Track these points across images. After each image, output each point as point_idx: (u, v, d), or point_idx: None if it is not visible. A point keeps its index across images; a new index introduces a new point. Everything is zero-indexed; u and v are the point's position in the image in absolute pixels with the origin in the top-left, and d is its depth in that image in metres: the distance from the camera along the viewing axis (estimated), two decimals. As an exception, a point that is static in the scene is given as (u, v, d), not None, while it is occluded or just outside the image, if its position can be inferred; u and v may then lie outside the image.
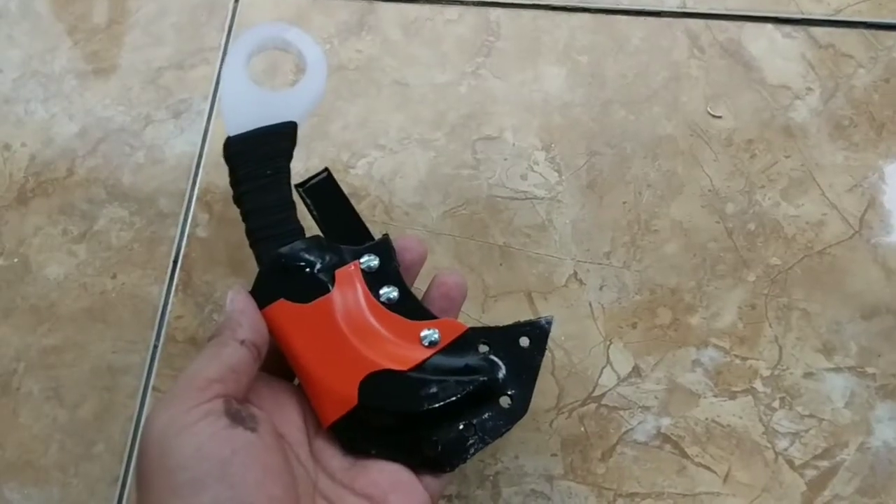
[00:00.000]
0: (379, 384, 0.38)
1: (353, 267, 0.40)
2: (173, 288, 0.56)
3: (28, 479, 0.52)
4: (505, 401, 0.39)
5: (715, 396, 0.53)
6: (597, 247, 0.57)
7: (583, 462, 0.51)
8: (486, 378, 0.39)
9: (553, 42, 0.64)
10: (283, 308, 0.39)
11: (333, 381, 0.38)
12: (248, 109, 0.43)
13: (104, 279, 0.57)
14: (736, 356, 0.54)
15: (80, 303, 0.56)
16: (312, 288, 0.39)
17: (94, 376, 0.54)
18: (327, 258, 0.40)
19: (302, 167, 0.60)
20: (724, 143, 0.60)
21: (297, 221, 0.42)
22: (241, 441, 0.34)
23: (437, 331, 0.39)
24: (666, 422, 0.52)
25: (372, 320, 0.39)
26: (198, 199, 0.59)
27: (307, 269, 0.40)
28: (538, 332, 0.41)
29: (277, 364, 0.43)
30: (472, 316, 0.55)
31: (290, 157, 0.43)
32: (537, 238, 0.58)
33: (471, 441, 0.39)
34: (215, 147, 0.61)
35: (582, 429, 0.52)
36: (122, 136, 0.61)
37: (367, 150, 0.60)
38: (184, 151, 0.61)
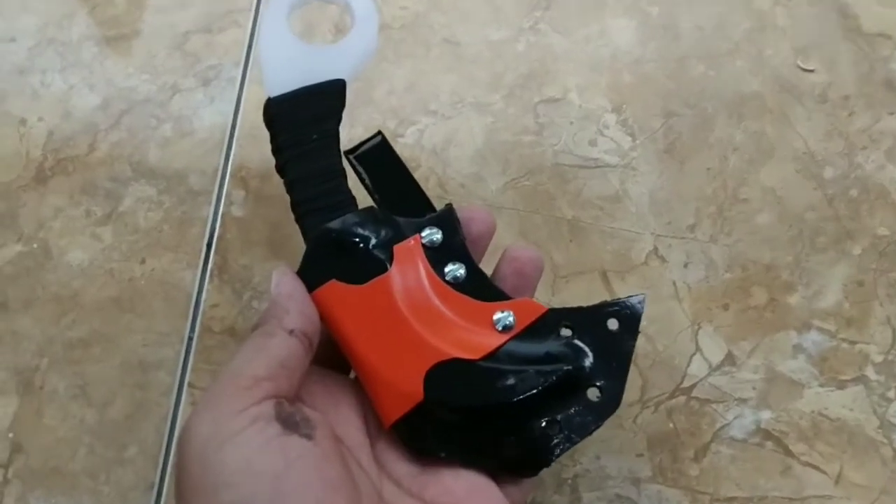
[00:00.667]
0: (447, 376, 0.33)
1: (413, 241, 0.36)
2: (208, 273, 0.51)
3: (55, 486, 0.47)
4: (593, 393, 0.34)
5: (821, 386, 0.47)
6: (679, 219, 0.51)
7: (673, 462, 0.46)
8: (570, 367, 0.34)
9: (621, -8, 0.57)
10: (334, 290, 0.35)
11: (395, 373, 0.34)
12: (290, 67, 0.38)
13: (132, 265, 0.52)
14: (843, 340, 0.48)
15: (106, 291, 0.51)
16: (368, 266, 0.35)
17: (123, 372, 0.49)
18: (384, 232, 0.36)
19: (345, 137, 0.54)
20: (818, 100, 0.54)
21: (349, 191, 0.37)
22: (296, 451, 0.30)
23: (511, 313, 0.35)
24: (766, 416, 0.47)
25: (437, 302, 0.35)
26: (232, 174, 0.54)
27: (361, 245, 0.35)
28: (629, 312, 0.36)
29: (330, 355, 0.38)
30: (540, 299, 0.49)
31: (338, 119, 0.38)
32: (611, 210, 0.52)
33: (556, 440, 0.34)
34: (249, 117, 0.55)
35: (671, 425, 0.47)
36: (148, 107, 0.56)
37: (417, 116, 0.55)
38: (215, 123, 0.55)
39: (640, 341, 0.48)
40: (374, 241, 0.35)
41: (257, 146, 0.55)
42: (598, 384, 0.34)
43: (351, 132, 0.54)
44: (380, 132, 0.40)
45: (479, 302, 0.35)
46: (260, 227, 0.53)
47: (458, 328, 0.34)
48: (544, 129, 0.54)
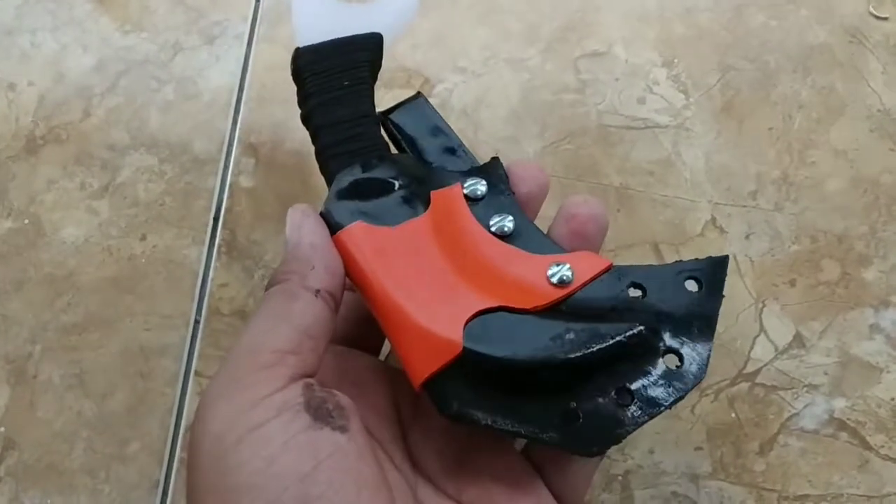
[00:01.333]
0: (492, 325, 0.28)
1: (454, 189, 0.32)
2: (215, 250, 0.47)
3: (51, 485, 0.43)
4: (672, 360, 0.29)
5: (902, 370, 0.42)
6: (739, 185, 0.46)
7: (736, 457, 0.41)
8: (640, 326, 0.28)
9: (669, -67, 0.52)
10: (360, 232, 0.30)
11: (431, 321, 0.28)
12: (323, 24, 0.35)
13: (132, 241, 0.47)
14: (927, 318, 0.43)
15: (104, 271, 0.47)
16: (402, 208, 0.31)
17: (124, 360, 0.45)
18: (420, 176, 0.32)
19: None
20: (894, 51, 0.48)
21: (381, 137, 0.34)
22: (328, 448, 0.26)
23: (569, 265, 0.30)
24: (840, 404, 0.42)
25: (480, 250, 0.30)
26: (240, 140, 0.49)
27: (394, 186, 0.31)
28: (712, 270, 0.31)
29: (354, 333, 0.34)
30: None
31: (374, 71, 0.35)
32: (662, 176, 0.47)
33: (628, 412, 0.28)
34: (259, 78, 0.51)
35: (733, 415, 0.42)
36: (148, 67, 0.51)
37: (445, 74, 0.50)
38: (221, 84, 0.51)
39: (698, 322, 0.44)
40: (408, 182, 0.31)
41: (268, 109, 0.50)
42: (677, 350, 0.29)
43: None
44: (419, 93, 0.37)
45: (529, 254, 0.30)
46: (271, 199, 0.48)
47: (506, 279, 0.30)
48: (587, 86, 0.49)
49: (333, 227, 0.31)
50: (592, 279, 0.30)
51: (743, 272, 0.45)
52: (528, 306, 0.29)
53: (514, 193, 0.32)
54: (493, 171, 0.33)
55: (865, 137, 0.47)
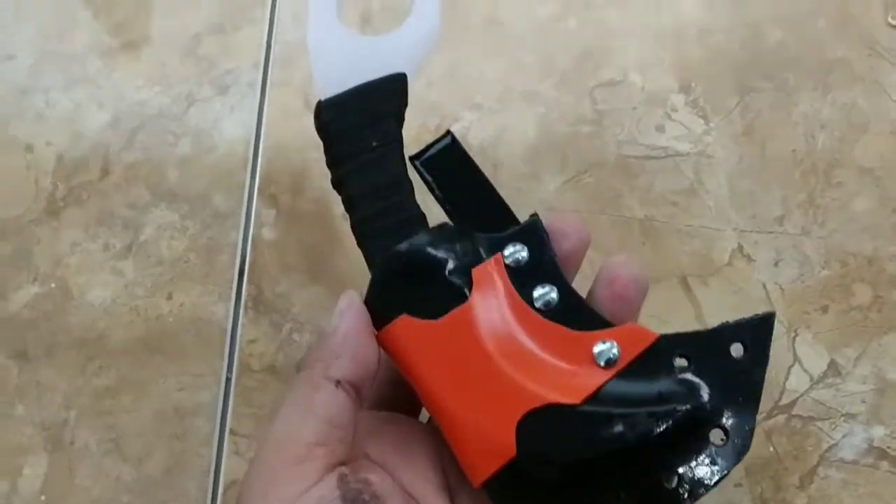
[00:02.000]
0: (543, 425, 0.29)
1: (494, 262, 0.31)
2: (242, 305, 0.47)
3: (95, 549, 0.44)
4: (717, 435, 0.29)
5: (941, 394, 0.42)
6: (764, 211, 0.46)
7: (776, 491, 0.42)
8: (689, 406, 0.29)
9: (680, -48, 0.52)
10: (407, 327, 0.30)
11: (481, 423, 0.29)
12: (343, 62, 0.34)
13: (159, 300, 0.48)
14: (964, 340, 0.43)
15: (133, 332, 0.48)
16: (444, 296, 0.31)
17: (159, 422, 0.46)
18: (461, 253, 0.31)
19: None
20: (917, 62, 0.48)
21: (417, 206, 0.33)
22: None
23: (615, 343, 0.30)
24: (879, 432, 0.42)
25: (526, 335, 0.30)
26: (260, 191, 0.50)
27: (436, 272, 0.31)
28: (757, 333, 0.30)
29: (397, 395, 0.35)
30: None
31: (401, 120, 0.34)
32: (686, 205, 0.47)
33: (677, 495, 0.29)
34: (274, 125, 0.51)
35: (771, 448, 0.42)
36: (162, 122, 0.52)
37: (460, 111, 0.50)
38: (237, 135, 0.51)
39: (731, 355, 0.44)
40: (450, 265, 0.31)
41: (285, 157, 0.50)
42: (722, 424, 0.29)
43: (387, 136, 0.49)
44: (449, 132, 0.35)
45: (575, 332, 0.30)
46: (295, 250, 0.49)
47: (553, 366, 0.30)
48: (604, 116, 0.49)
49: (377, 318, 0.31)
50: (640, 355, 0.30)
51: (773, 301, 0.45)
52: (577, 400, 0.29)
53: (555, 254, 0.32)
54: (533, 232, 0.32)
55: (891, 153, 0.47)
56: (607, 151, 0.48)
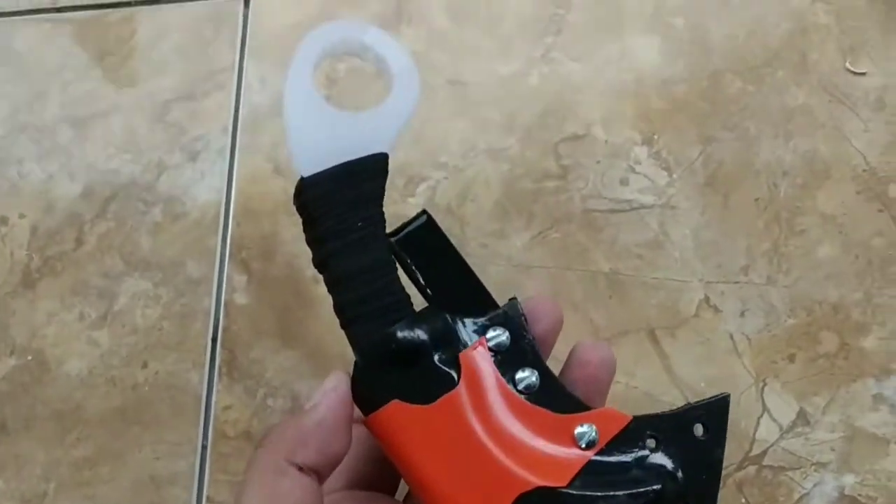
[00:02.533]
0: None
1: (480, 347, 0.32)
2: (216, 372, 0.48)
3: None
4: None
5: (910, 440, 0.43)
6: (729, 261, 0.47)
7: (749, 544, 0.42)
8: (660, 485, 0.30)
9: (639, 4, 0.53)
10: (398, 411, 0.31)
11: None
12: (323, 138, 0.33)
13: (134, 370, 0.49)
14: (930, 384, 0.43)
15: (109, 402, 0.48)
16: (434, 381, 0.31)
17: (136, 491, 0.47)
18: (447, 338, 0.32)
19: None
20: (875, 107, 0.49)
21: (402, 289, 0.33)
22: None
23: (594, 426, 0.31)
24: (850, 480, 0.43)
25: (513, 419, 0.31)
26: (231, 256, 0.50)
27: (424, 357, 0.31)
28: (714, 413, 0.32)
29: (374, 472, 0.35)
30: (583, 367, 0.46)
31: (382, 200, 0.33)
32: (652, 258, 0.47)
33: None
34: (243, 190, 0.52)
35: (742, 500, 0.43)
36: (134, 190, 0.53)
37: (426, 171, 0.51)
38: (208, 200, 0.52)
39: (700, 408, 0.44)
40: (438, 350, 0.32)
41: (255, 222, 0.51)
42: (688, 499, 0.31)
43: (355, 198, 0.50)
44: (425, 211, 0.35)
45: (557, 415, 0.32)
46: (267, 315, 0.49)
47: (539, 448, 0.31)
48: (568, 171, 0.50)
49: (365, 402, 0.31)
50: (615, 437, 0.31)
51: (741, 351, 0.45)
52: (563, 482, 0.30)
53: (534, 338, 0.33)
54: (513, 316, 0.33)
55: (853, 200, 0.47)
56: (572, 206, 0.49)
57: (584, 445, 0.31)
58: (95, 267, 0.52)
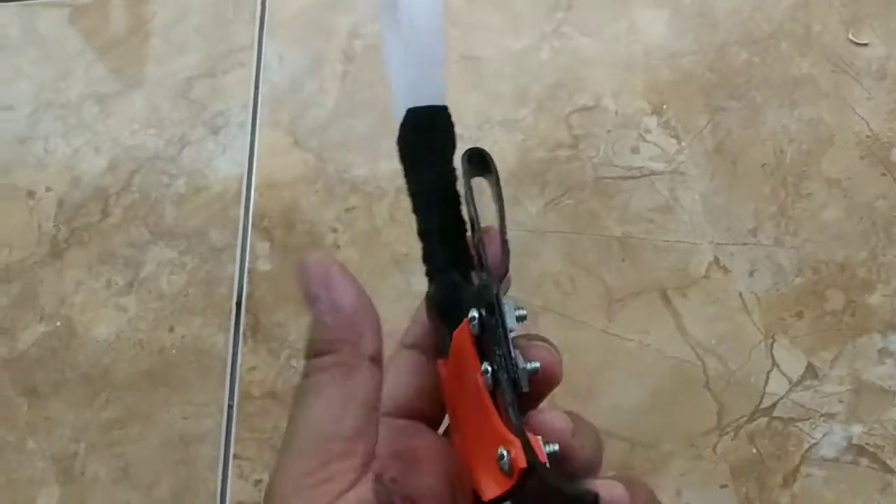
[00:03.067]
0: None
1: (464, 330, 0.29)
2: (241, 335, 0.50)
3: (107, 578, 0.46)
4: None
5: (914, 392, 0.44)
6: (738, 224, 0.49)
7: (761, 491, 0.44)
8: None
9: (647, -19, 0.55)
10: (466, 337, 0.28)
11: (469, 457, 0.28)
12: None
13: (161, 334, 0.50)
14: (933, 338, 0.45)
15: (137, 365, 0.50)
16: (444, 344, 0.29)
17: (165, 450, 0.48)
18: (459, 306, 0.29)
19: (368, 172, 0.52)
20: (877, 76, 0.51)
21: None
22: None
23: (508, 455, 0.27)
24: (857, 430, 0.44)
25: (474, 409, 0.29)
26: (254, 225, 0.52)
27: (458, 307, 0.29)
28: None
29: (416, 401, 0.31)
30: (596, 325, 0.48)
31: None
32: (663, 222, 0.49)
33: None
34: (265, 162, 0.54)
35: (754, 450, 0.44)
36: (158, 163, 0.54)
37: (443, 142, 0.53)
38: (230, 173, 0.54)
39: (711, 362, 0.46)
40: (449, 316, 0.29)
41: (277, 193, 0.53)
42: None
43: (374, 168, 0.52)
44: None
45: (499, 420, 0.28)
46: (290, 280, 0.51)
47: (480, 454, 0.28)
48: (580, 141, 0.52)
49: (453, 322, 0.28)
50: (518, 481, 0.29)
51: (750, 310, 0.47)
52: (487, 496, 0.27)
53: (504, 327, 0.28)
54: (485, 297, 0.29)
55: (857, 164, 0.49)
56: (585, 174, 0.51)
57: (504, 469, 0.27)
58: (121, 237, 0.53)
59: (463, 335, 0.29)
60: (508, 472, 0.27)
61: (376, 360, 0.27)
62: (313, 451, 0.26)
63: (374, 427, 0.27)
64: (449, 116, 0.31)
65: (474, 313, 0.29)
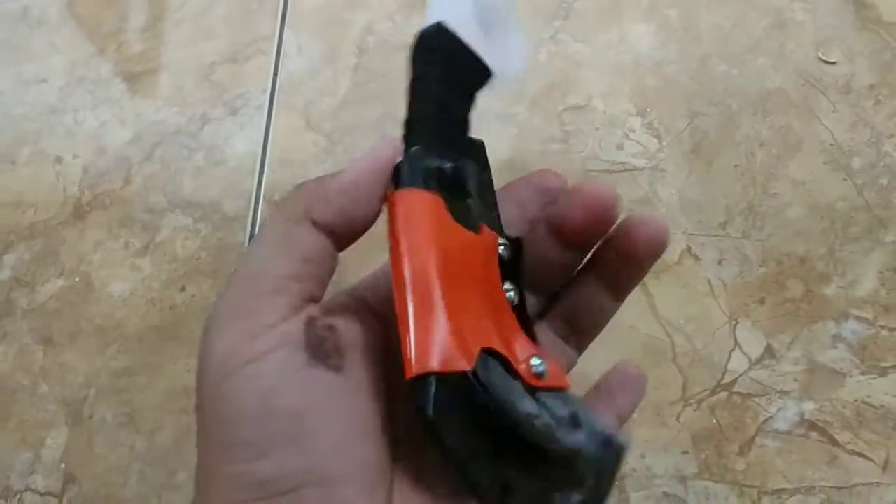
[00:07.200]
0: (496, 369, 0.29)
1: (494, 239, 0.31)
2: (247, 297, 0.54)
3: (108, 514, 0.50)
4: (576, 497, 0.30)
5: (862, 374, 0.49)
6: (710, 217, 0.54)
7: (719, 458, 0.48)
8: (579, 449, 0.30)
9: (638, -3, 0.61)
10: (437, 204, 0.28)
11: (455, 322, 0.28)
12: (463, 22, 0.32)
13: (172, 293, 0.55)
14: (882, 327, 0.50)
15: (148, 320, 0.54)
16: (464, 215, 0.30)
17: (169, 399, 0.52)
18: (480, 201, 0.31)
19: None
20: (842, 91, 0.56)
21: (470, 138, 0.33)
22: (321, 387, 0.26)
23: (546, 364, 0.30)
24: (809, 406, 0.49)
25: (503, 306, 0.31)
26: (265, 199, 0.57)
27: (467, 194, 0.30)
28: (617, 450, 0.31)
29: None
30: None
31: (473, 98, 0.34)
32: (642, 212, 0.54)
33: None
34: (279, 142, 0.59)
35: (714, 421, 0.49)
36: (179, 138, 0.59)
37: (444, 131, 0.58)
38: (246, 150, 0.59)
39: (679, 339, 0.51)
40: (480, 202, 0.31)
41: (288, 170, 0.58)
42: (586, 496, 0.30)
43: (379, 151, 0.57)
44: (481, 141, 0.35)
45: (525, 335, 0.31)
46: (295, 249, 0.56)
47: (513, 343, 0.30)
48: (570, 136, 0.57)
49: (408, 181, 0.29)
50: (554, 388, 0.31)
51: (717, 294, 0.52)
52: (522, 376, 0.30)
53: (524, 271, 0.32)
54: (515, 245, 0.32)
55: (821, 169, 0.54)
56: (574, 166, 0.56)
57: (535, 372, 0.30)
58: (141, 203, 0.58)
59: (493, 242, 0.30)
60: (540, 376, 0.29)
61: (321, 228, 0.27)
62: (241, 286, 0.27)
63: (314, 279, 0.27)
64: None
65: (504, 243, 0.30)
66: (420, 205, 0.28)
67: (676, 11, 0.60)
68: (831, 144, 0.55)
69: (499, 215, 0.33)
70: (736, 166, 0.55)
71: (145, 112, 0.61)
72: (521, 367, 0.30)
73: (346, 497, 0.25)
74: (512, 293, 0.31)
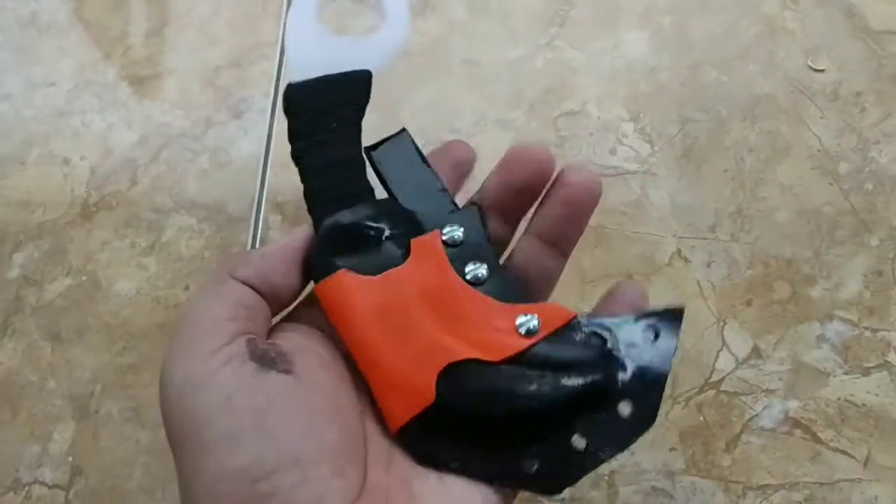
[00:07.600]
0: (462, 377, 0.31)
1: (432, 237, 0.33)
2: (249, 296, 0.56)
3: (114, 505, 0.52)
4: (625, 408, 0.31)
5: (846, 374, 0.50)
6: (700, 220, 0.55)
7: (705, 454, 0.50)
8: (600, 376, 0.31)
9: (632, 4, 0.62)
10: (343, 280, 0.32)
11: (406, 370, 0.31)
12: (316, 56, 0.36)
13: (177, 291, 0.57)
14: (865, 328, 0.51)
15: (153, 318, 0.56)
16: (382, 258, 0.33)
17: (174, 394, 0.54)
18: (402, 224, 0.34)
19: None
20: (830, 98, 0.58)
21: (367, 182, 0.35)
22: (277, 387, 0.28)
23: (535, 316, 0.32)
24: (794, 405, 0.50)
25: (455, 300, 0.32)
26: (268, 200, 0.59)
27: (375, 236, 0.33)
28: (667, 323, 0.32)
29: None
30: (569, 303, 0.54)
31: (360, 108, 0.36)
32: (633, 216, 0.56)
33: (582, 456, 0.31)
34: (281, 146, 0.60)
35: (701, 418, 0.50)
36: (184, 141, 0.61)
37: (442, 134, 0.60)
38: (249, 153, 0.60)
39: (668, 339, 0.52)
40: (389, 232, 0.33)
41: (291, 173, 0.59)
42: (631, 398, 0.31)
43: (379, 154, 0.59)
44: (403, 129, 0.38)
45: (500, 303, 0.33)
46: (297, 249, 0.57)
47: (477, 328, 0.32)
48: (565, 141, 0.58)
49: (318, 272, 0.32)
50: (558, 330, 0.32)
51: (706, 295, 0.53)
52: (497, 358, 0.31)
53: (490, 238, 0.34)
54: (471, 217, 0.34)
55: (808, 174, 0.56)
56: (567, 170, 0.58)
57: (524, 332, 0.32)
58: (147, 204, 0.60)
59: (431, 244, 0.33)
60: (531, 332, 0.31)
61: (247, 284, 0.31)
62: (186, 328, 0.30)
63: (248, 319, 0.30)
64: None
65: (450, 227, 0.33)
66: (334, 290, 0.32)
67: (670, 19, 0.61)
68: (819, 150, 0.56)
69: (444, 188, 0.36)
70: (725, 171, 0.56)
71: (151, 115, 0.62)
72: (502, 343, 0.32)
73: (321, 475, 0.27)
74: (479, 271, 0.33)
